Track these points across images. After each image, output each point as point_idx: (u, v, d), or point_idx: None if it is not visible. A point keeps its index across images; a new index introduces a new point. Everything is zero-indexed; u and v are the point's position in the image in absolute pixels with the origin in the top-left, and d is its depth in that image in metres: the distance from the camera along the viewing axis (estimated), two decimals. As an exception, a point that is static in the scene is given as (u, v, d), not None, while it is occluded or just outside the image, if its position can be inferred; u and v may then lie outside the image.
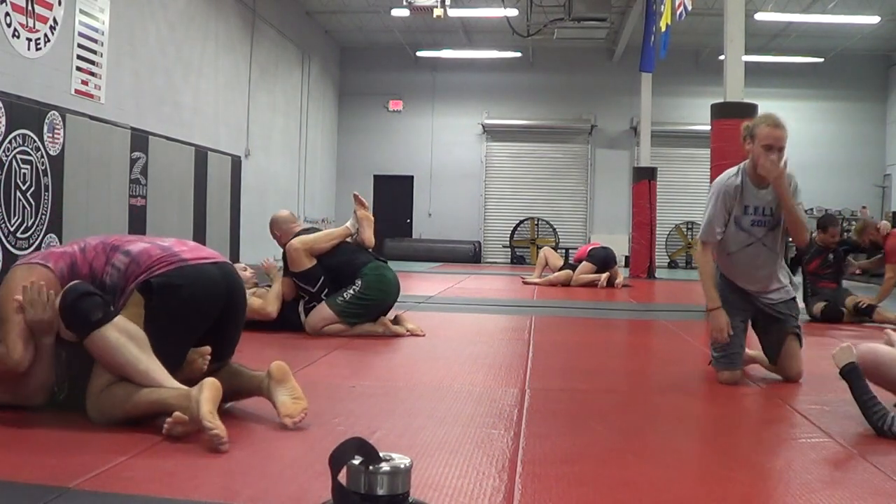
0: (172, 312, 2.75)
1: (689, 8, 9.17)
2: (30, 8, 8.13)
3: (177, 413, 2.49)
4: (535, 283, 11.14)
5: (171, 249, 2.85)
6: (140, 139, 9.99)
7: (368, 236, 5.42)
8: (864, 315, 6.84)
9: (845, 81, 18.96)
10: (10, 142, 7.50)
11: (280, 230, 5.51)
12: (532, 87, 19.88)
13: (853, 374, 2.91)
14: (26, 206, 7.73)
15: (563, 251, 16.93)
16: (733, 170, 3.91)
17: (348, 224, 5.46)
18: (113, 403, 2.62)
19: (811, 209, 16.36)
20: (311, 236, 5.34)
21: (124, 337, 2.62)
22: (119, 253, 2.82)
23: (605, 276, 10.91)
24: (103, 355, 2.62)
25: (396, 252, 18.47)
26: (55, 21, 8.59)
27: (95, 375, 2.67)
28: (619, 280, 11.07)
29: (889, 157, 19.11)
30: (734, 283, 3.93)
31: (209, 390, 2.52)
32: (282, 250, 5.39)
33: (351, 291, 5.17)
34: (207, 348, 2.90)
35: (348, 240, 5.41)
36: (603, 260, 11.11)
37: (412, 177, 20.37)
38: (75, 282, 2.70)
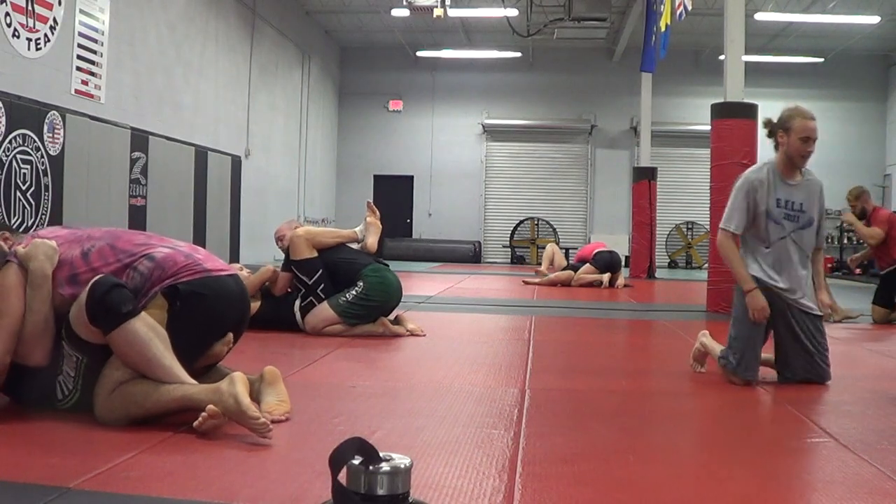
0: (195, 320, 2.79)
1: (689, 8, 9.17)
2: (30, 8, 8.14)
3: (211, 406, 2.50)
4: (536, 284, 11.14)
5: (193, 257, 2.89)
6: (140, 139, 10.00)
7: (372, 242, 5.51)
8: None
9: (845, 81, 18.97)
10: (10, 142, 7.50)
11: (283, 233, 5.57)
12: (532, 87, 19.88)
13: None
14: (26, 206, 7.73)
15: (564, 251, 16.94)
16: (759, 165, 4.01)
17: (357, 229, 5.55)
18: (130, 402, 2.60)
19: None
20: (317, 229, 5.55)
21: (151, 332, 2.63)
22: (141, 258, 2.82)
23: (606, 276, 10.90)
24: (129, 349, 2.60)
25: (396, 252, 18.47)
26: (55, 21, 8.59)
27: (107, 374, 2.65)
28: (620, 281, 11.07)
29: (889, 157, 19.12)
30: (766, 284, 3.86)
31: (242, 384, 2.56)
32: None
33: (353, 292, 5.18)
34: (230, 336, 2.94)
35: (353, 245, 5.49)
36: (607, 264, 11.09)
37: (412, 177, 20.37)
38: (103, 275, 2.69)
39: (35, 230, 3.00)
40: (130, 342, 2.60)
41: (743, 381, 3.79)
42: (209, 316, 2.85)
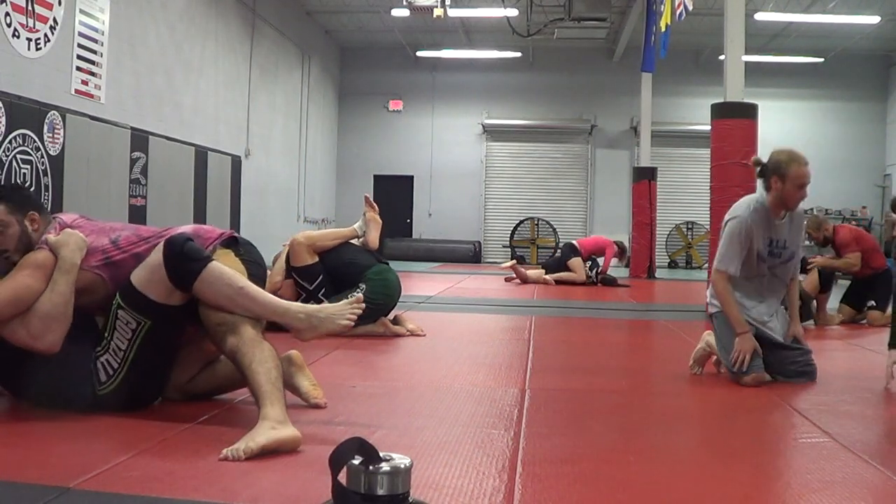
0: (256, 264, 3.08)
1: (690, 8, 9.16)
2: (30, 8, 8.14)
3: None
4: (538, 283, 11.18)
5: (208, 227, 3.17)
6: (140, 139, 10.00)
7: (373, 238, 5.47)
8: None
9: (845, 81, 18.95)
10: (10, 142, 7.50)
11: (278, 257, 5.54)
12: (532, 87, 19.87)
13: None
14: (26, 206, 7.72)
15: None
16: (752, 204, 3.94)
17: (356, 226, 5.51)
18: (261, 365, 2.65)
19: (810, 209, 16.35)
20: (317, 233, 5.48)
21: (230, 269, 2.77)
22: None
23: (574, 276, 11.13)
24: (220, 284, 2.69)
25: (396, 252, 18.46)
26: (55, 21, 8.59)
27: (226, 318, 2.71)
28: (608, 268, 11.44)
29: (889, 157, 19.11)
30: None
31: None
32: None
33: (356, 294, 5.17)
34: None
35: (354, 241, 5.44)
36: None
37: (412, 177, 20.36)
38: (172, 235, 2.81)
39: (55, 215, 3.06)
40: (219, 276, 2.70)
41: (750, 381, 3.77)
42: (259, 264, 3.14)
